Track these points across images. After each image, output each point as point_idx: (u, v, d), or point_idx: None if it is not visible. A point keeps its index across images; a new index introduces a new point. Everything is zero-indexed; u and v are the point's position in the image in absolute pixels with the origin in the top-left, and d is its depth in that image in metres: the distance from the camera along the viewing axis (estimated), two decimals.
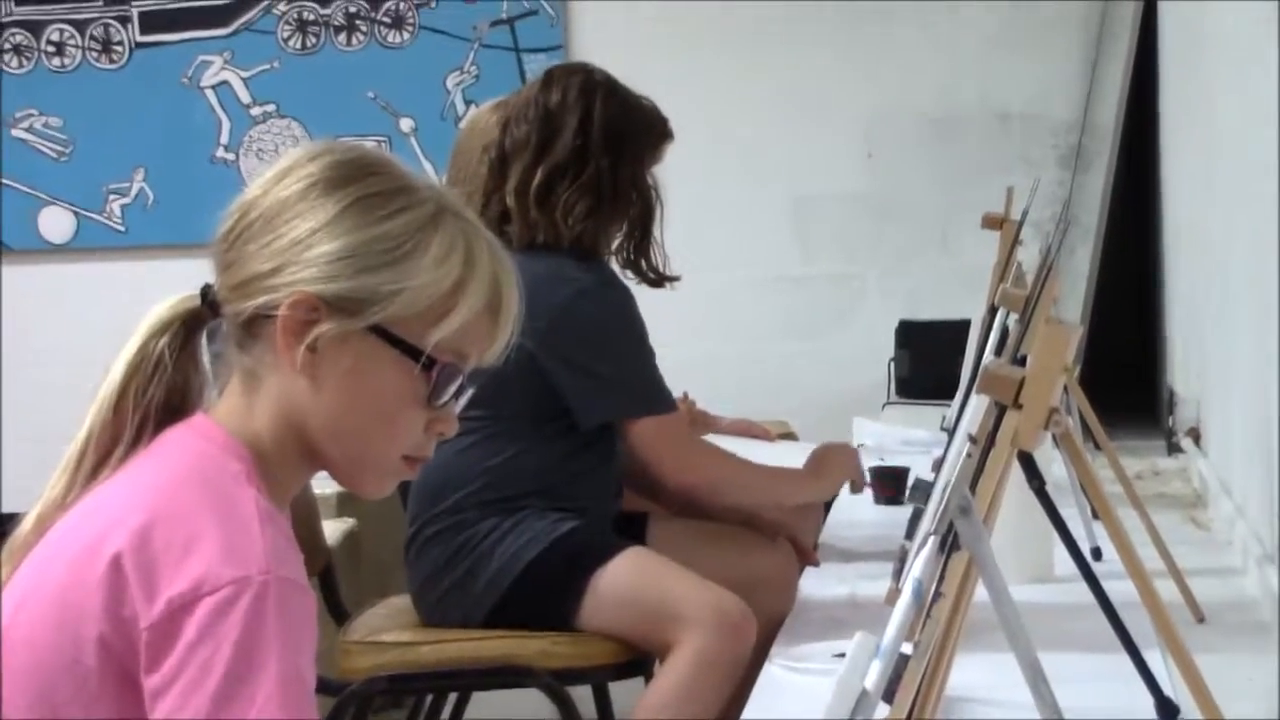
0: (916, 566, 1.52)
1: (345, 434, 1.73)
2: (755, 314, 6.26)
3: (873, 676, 1.42)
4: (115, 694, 1.62)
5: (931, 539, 1.54)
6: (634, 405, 3.18)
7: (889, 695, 1.51)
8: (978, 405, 2.06)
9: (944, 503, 1.55)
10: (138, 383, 1.77)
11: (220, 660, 1.55)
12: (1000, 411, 1.79)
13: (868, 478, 3.59)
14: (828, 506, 3.92)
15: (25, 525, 1.76)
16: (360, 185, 1.72)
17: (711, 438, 3.74)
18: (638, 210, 3.27)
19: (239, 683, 1.55)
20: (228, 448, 1.72)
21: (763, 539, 3.37)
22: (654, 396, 3.20)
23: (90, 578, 1.63)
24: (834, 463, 3.42)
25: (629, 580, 3.07)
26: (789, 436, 4.78)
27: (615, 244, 3.30)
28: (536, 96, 3.26)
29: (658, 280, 3.32)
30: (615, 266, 3.31)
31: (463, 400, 1.76)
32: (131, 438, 1.77)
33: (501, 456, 3.15)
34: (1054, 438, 2.81)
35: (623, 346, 3.18)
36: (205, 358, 1.79)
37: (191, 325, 1.78)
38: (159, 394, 1.77)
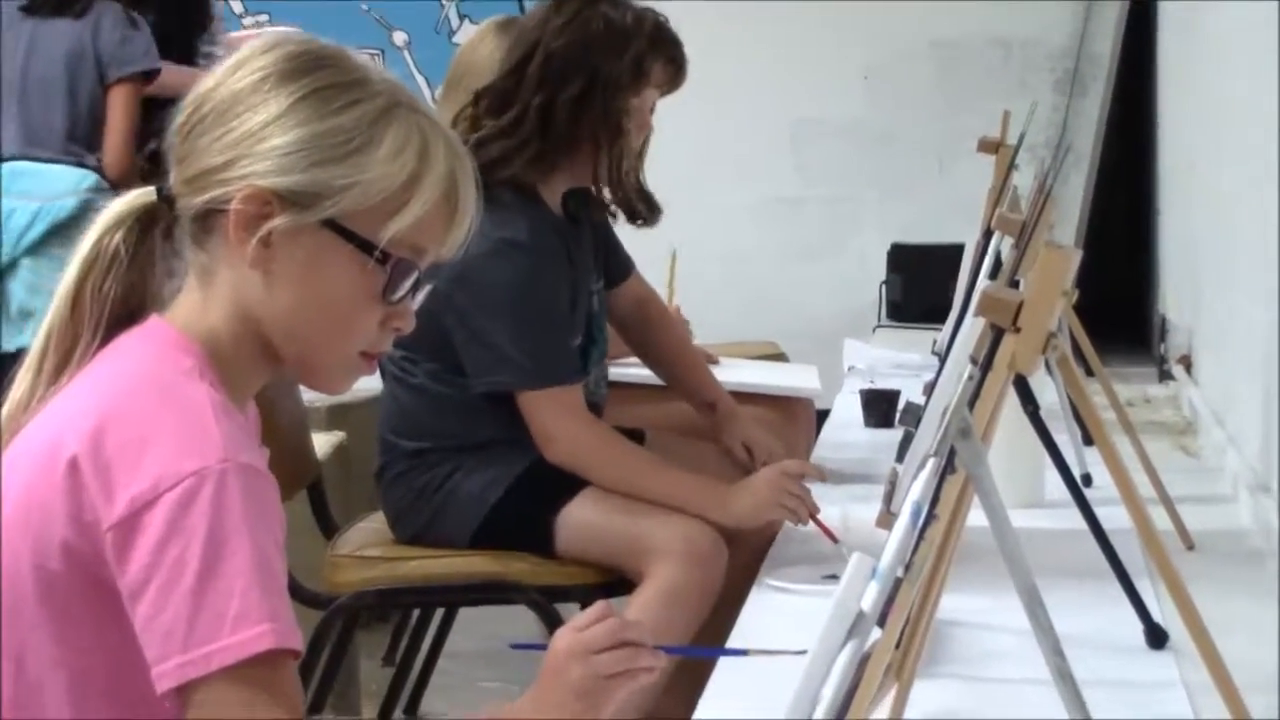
0: (915, 489, 1.51)
1: (300, 329, 1.72)
2: (750, 236, 6.26)
3: (869, 598, 1.42)
4: (84, 597, 1.61)
5: (932, 461, 1.53)
6: (522, 378, 3.05)
7: (881, 619, 1.51)
8: (974, 328, 2.05)
9: (945, 424, 1.55)
10: (94, 279, 1.74)
11: (192, 555, 1.55)
12: (997, 335, 1.78)
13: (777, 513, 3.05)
14: (819, 428, 3.92)
15: None
16: (313, 78, 1.70)
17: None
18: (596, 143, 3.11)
19: (214, 576, 1.55)
20: (179, 345, 1.71)
21: (741, 470, 3.34)
22: (543, 371, 3.07)
23: (50, 481, 1.62)
24: (747, 496, 3.03)
25: (596, 513, 3.04)
26: (778, 358, 4.76)
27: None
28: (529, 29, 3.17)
29: (631, 216, 3.19)
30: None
31: (420, 296, 1.75)
32: (91, 338, 1.75)
33: (460, 400, 3.11)
34: (1048, 363, 2.81)
35: (519, 314, 3.04)
36: (160, 255, 1.77)
37: (147, 221, 1.76)
38: (116, 290, 1.75)
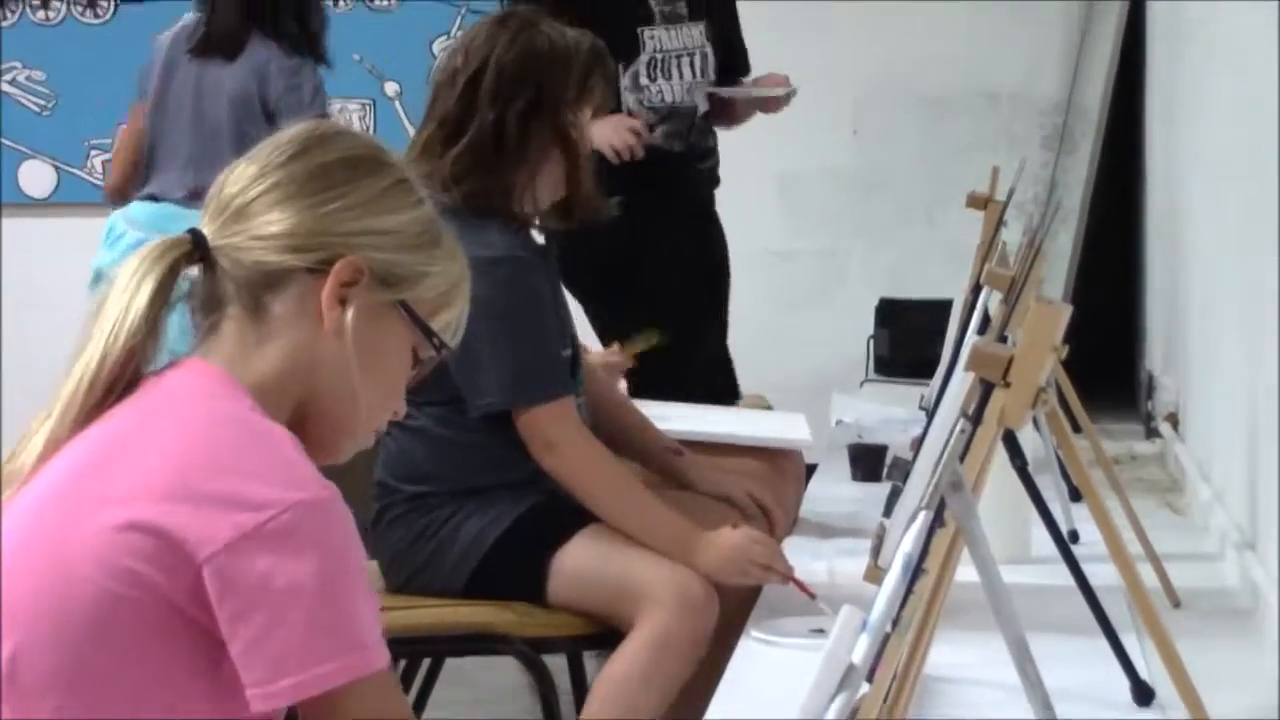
0: (907, 541, 1.52)
1: (348, 396, 1.79)
2: (739, 288, 6.25)
3: (860, 651, 1.42)
4: (156, 624, 1.64)
5: (923, 514, 1.53)
6: (516, 396, 3.03)
7: (869, 673, 1.51)
8: (965, 382, 2.06)
9: (935, 477, 1.55)
10: (158, 312, 1.77)
11: (306, 584, 1.61)
12: (987, 390, 1.78)
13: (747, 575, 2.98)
14: (808, 480, 3.91)
15: (27, 457, 1.75)
16: (394, 170, 1.83)
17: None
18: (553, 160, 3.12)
19: (337, 594, 1.62)
20: (234, 386, 1.76)
21: (735, 513, 3.33)
22: (536, 385, 3.05)
23: (119, 523, 1.64)
24: (713, 554, 2.96)
25: (589, 559, 3.03)
26: (765, 409, 4.76)
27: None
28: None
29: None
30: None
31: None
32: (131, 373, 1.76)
33: (460, 443, 3.10)
34: (1035, 419, 2.82)
35: (506, 331, 3.00)
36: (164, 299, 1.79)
37: (178, 268, 1.80)
38: (159, 329, 1.78)
